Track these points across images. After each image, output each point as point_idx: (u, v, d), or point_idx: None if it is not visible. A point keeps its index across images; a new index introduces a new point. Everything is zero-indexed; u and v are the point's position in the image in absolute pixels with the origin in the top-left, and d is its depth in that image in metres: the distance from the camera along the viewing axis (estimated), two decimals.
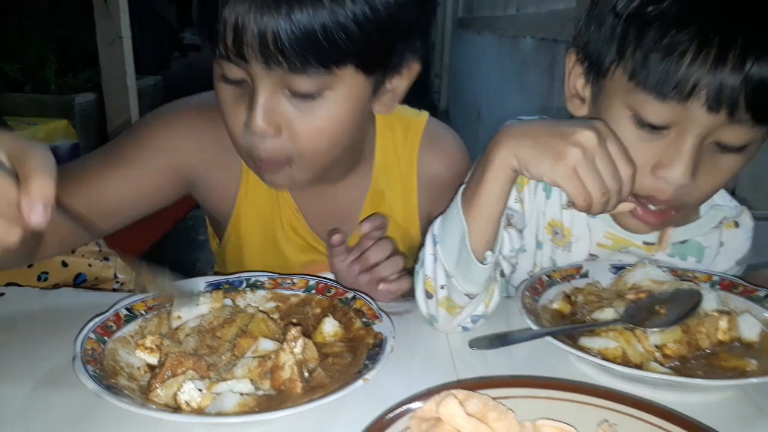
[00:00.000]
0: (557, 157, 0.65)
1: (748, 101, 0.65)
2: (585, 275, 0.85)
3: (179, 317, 0.71)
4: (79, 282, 1.15)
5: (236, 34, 0.68)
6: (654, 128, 0.71)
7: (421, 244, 0.80)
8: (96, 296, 0.89)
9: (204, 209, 1.03)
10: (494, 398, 0.53)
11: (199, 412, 0.57)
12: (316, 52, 0.68)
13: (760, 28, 0.65)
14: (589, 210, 0.66)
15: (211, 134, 0.90)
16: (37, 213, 0.52)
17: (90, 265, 1.19)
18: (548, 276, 0.83)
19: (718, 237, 0.91)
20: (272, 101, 0.73)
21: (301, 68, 0.69)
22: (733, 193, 2.28)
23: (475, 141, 0.94)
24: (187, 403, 0.58)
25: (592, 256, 0.91)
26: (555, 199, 0.90)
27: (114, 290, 1.23)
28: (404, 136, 0.98)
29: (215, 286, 0.79)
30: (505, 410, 0.52)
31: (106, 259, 1.29)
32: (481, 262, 0.72)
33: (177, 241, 3.67)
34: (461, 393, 0.52)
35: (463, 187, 0.76)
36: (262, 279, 0.81)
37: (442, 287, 0.76)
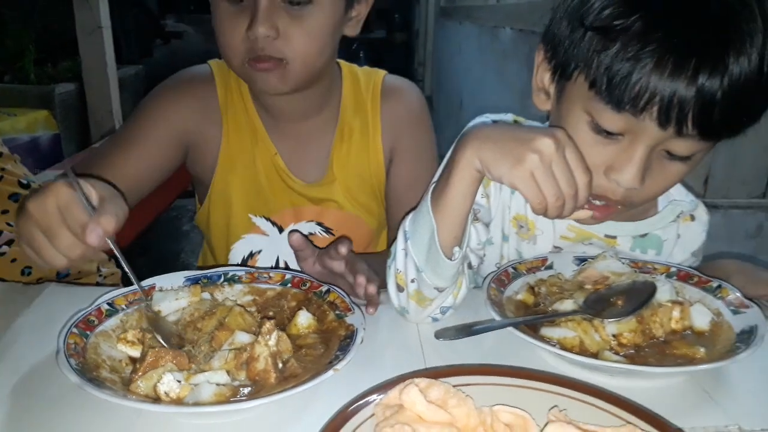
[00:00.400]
0: (516, 161, 0.68)
1: (695, 119, 0.69)
2: (550, 267, 0.89)
3: (159, 311, 0.74)
4: (62, 276, 1.17)
5: None
6: (609, 134, 0.75)
7: (394, 239, 0.83)
8: (78, 291, 0.91)
9: (192, 170, 1.12)
10: (454, 386, 0.57)
11: (178, 402, 0.61)
12: None
13: (713, 50, 0.68)
14: (544, 213, 0.70)
15: (199, 99, 1.06)
16: (94, 236, 0.66)
17: None
18: (514, 268, 0.87)
19: (676, 230, 0.95)
20: (271, 8, 0.88)
21: None
22: (705, 182, 2.32)
23: (458, 129, 0.99)
24: (166, 394, 0.61)
25: (557, 248, 0.95)
26: (520, 195, 0.94)
27: (97, 284, 1.25)
28: (367, 82, 1.12)
29: (194, 281, 0.82)
30: (464, 397, 0.55)
31: None
32: (450, 258, 0.76)
33: (161, 231, 3.68)
34: (423, 381, 0.56)
35: (432, 185, 0.79)
36: (239, 273, 0.84)
37: (412, 281, 0.79)
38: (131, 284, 0.76)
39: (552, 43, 0.82)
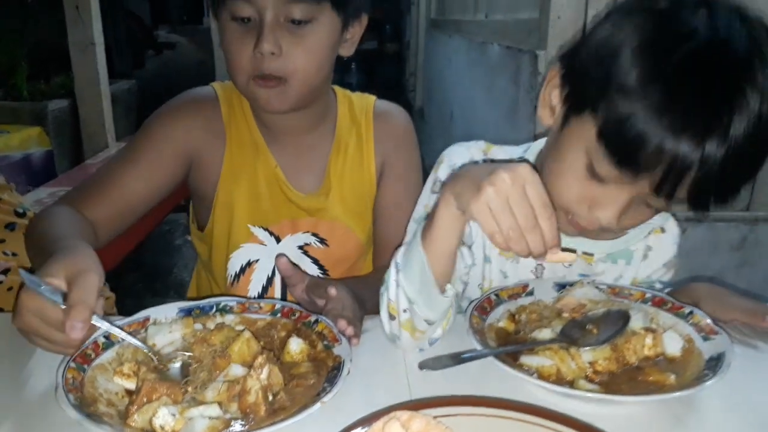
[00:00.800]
0: (474, 194, 0.72)
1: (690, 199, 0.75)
2: (530, 293, 0.93)
3: (154, 345, 0.77)
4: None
5: None
6: (601, 179, 0.79)
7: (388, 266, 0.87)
8: None
9: (193, 184, 1.17)
10: (435, 417, 0.60)
11: None
12: None
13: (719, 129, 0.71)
14: (507, 248, 0.72)
15: (204, 118, 1.13)
16: (76, 331, 0.68)
17: None
18: (496, 295, 0.91)
19: (645, 242, 1.00)
20: (275, 28, 0.96)
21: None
22: None
23: (449, 140, 1.05)
24: (162, 428, 0.64)
25: (540, 266, 0.99)
26: None
27: None
28: (360, 105, 1.21)
29: (186, 312, 0.85)
30: (444, 429, 0.58)
31: None
32: (443, 293, 0.80)
33: (153, 245, 3.70)
34: (405, 414, 0.59)
35: (424, 223, 0.83)
36: (230, 304, 0.87)
37: (404, 311, 0.82)
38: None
39: (572, 67, 0.83)
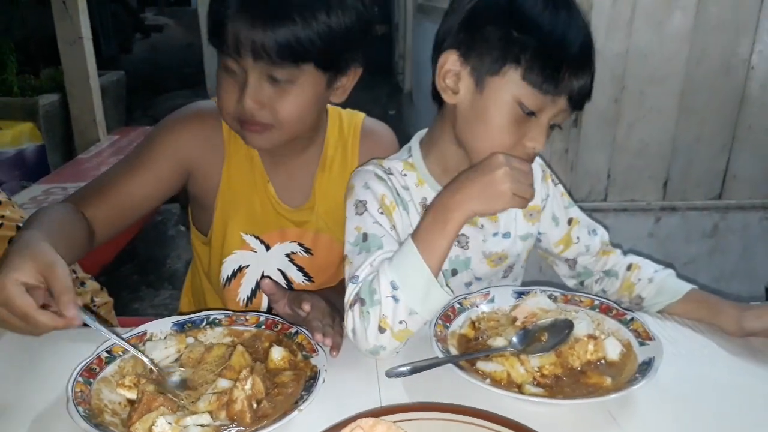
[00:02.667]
0: (499, 197, 0.93)
1: (584, 98, 1.00)
2: (492, 300, 1.03)
3: (151, 359, 0.87)
4: None
5: (236, 41, 0.98)
6: (529, 113, 0.97)
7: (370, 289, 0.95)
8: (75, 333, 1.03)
9: (193, 192, 1.26)
10: (395, 422, 0.70)
11: None
12: (289, 54, 0.98)
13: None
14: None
15: (205, 131, 1.20)
16: (71, 308, 0.80)
17: None
18: (460, 303, 1.00)
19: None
20: (258, 86, 1.02)
21: (278, 63, 0.98)
22: (664, 185, 2.40)
23: None
24: None
25: (463, 236, 1.14)
26: (412, 211, 1.12)
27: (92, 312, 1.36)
28: (349, 123, 1.28)
29: (180, 326, 0.94)
30: None
31: (82, 284, 1.43)
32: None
33: (147, 236, 3.78)
34: (369, 421, 0.69)
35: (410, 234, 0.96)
36: (219, 317, 0.97)
37: (400, 322, 0.91)
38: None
39: (474, 49, 1.00)
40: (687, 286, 1.11)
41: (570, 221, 1.23)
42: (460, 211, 0.93)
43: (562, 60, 0.95)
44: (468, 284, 1.18)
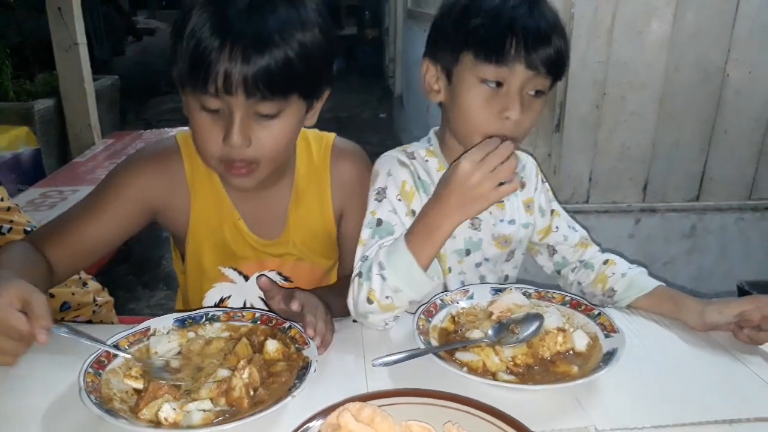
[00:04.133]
0: (478, 203, 0.99)
1: (548, 63, 1.07)
2: (471, 297, 1.10)
3: (156, 352, 0.94)
4: (65, 309, 1.35)
5: (225, 79, 0.95)
6: (494, 85, 1.08)
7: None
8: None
9: (166, 228, 1.28)
10: (379, 407, 0.77)
11: (175, 426, 0.81)
12: (279, 89, 0.99)
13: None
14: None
15: (166, 173, 1.19)
16: (42, 336, 0.86)
17: (73, 294, 1.40)
18: (441, 300, 1.08)
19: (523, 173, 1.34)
20: (246, 122, 1.00)
21: (269, 98, 0.98)
22: (644, 188, 2.47)
23: (425, 131, 1.20)
24: (166, 419, 0.81)
25: (477, 219, 1.26)
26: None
27: (93, 312, 1.44)
28: (318, 149, 1.28)
29: (181, 322, 1.01)
30: (386, 415, 0.76)
31: (84, 284, 1.50)
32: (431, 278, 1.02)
33: (141, 237, 3.81)
34: (355, 405, 0.76)
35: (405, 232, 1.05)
36: (217, 313, 1.04)
37: (386, 297, 1.02)
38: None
39: (438, 49, 1.16)
40: (656, 283, 1.19)
41: (552, 212, 1.36)
42: (446, 225, 1.01)
43: (504, 31, 1.05)
44: (478, 265, 1.30)
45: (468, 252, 1.27)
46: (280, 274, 1.29)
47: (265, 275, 1.09)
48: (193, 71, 0.96)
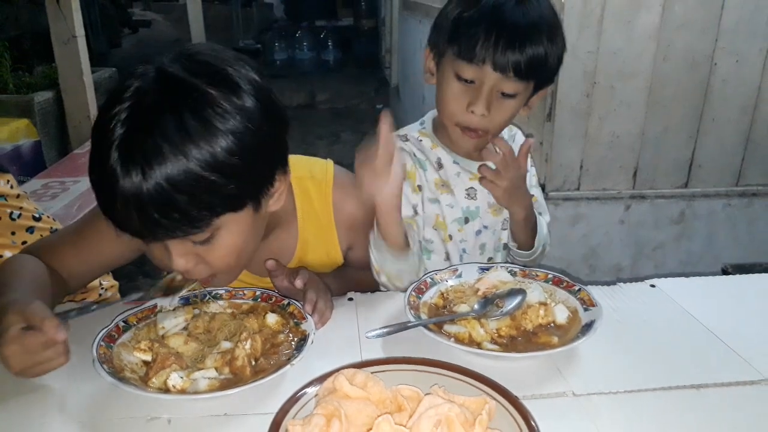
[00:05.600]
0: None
1: (516, 68, 1.17)
2: (459, 276, 1.17)
3: (163, 327, 1.00)
4: (71, 292, 1.41)
5: (144, 224, 0.90)
6: (468, 82, 1.21)
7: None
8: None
9: None
10: (372, 373, 0.84)
11: (182, 392, 0.87)
12: (198, 227, 0.92)
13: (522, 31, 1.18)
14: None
15: None
16: (60, 332, 0.85)
17: None
18: (431, 278, 1.14)
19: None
20: (183, 251, 0.96)
21: (192, 234, 0.93)
22: (634, 175, 2.54)
23: None
24: (174, 386, 0.87)
25: (472, 189, 1.40)
26: (430, 169, 1.40)
27: (99, 295, 1.49)
28: (317, 191, 1.24)
29: (186, 300, 1.08)
30: (378, 380, 0.82)
31: None
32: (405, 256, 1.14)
33: None
34: (350, 371, 0.83)
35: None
36: (220, 292, 1.10)
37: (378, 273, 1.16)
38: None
39: (436, 41, 1.30)
40: None
41: (531, 196, 1.44)
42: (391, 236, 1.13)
43: (478, 32, 1.17)
44: (478, 232, 1.43)
45: (467, 220, 1.41)
46: None
47: (273, 259, 1.15)
48: (108, 215, 0.95)
